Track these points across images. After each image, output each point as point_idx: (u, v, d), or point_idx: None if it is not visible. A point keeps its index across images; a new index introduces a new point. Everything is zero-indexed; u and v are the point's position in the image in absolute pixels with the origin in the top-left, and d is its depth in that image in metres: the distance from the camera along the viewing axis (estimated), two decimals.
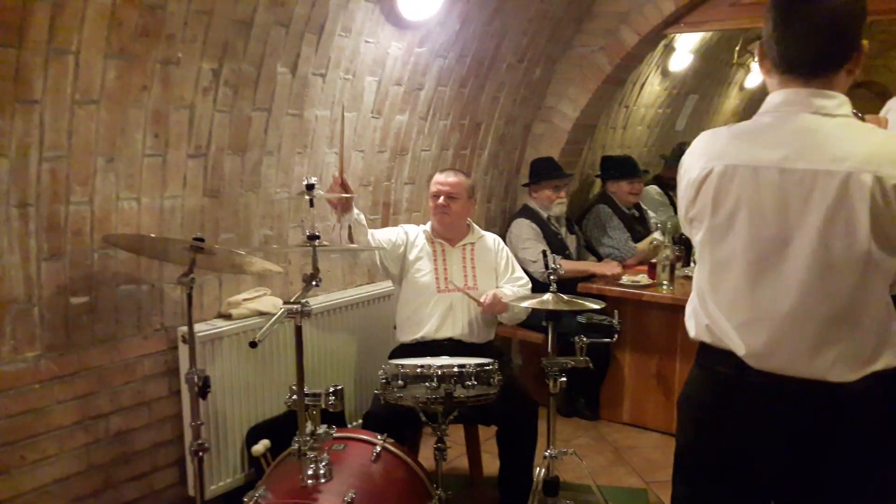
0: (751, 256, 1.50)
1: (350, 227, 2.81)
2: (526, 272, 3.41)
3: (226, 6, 2.42)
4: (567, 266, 3.89)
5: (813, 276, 1.44)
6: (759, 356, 1.50)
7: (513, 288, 3.12)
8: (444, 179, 3.09)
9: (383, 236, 3.05)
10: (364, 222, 2.86)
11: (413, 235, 3.13)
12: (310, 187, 2.16)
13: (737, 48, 5.79)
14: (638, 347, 3.94)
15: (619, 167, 4.72)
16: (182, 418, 2.67)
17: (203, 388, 2.28)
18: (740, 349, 1.52)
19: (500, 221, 4.34)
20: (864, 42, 1.49)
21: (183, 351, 2.58)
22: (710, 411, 1.61)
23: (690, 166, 1.59)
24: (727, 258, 1.53)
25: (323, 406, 2.04)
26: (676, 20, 4.02)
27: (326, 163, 3.10)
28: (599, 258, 4.47)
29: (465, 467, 3.30)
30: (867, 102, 7.20)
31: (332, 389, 2.05)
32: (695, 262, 4.17)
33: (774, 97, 1.53)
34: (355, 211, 2.80)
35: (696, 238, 1.62)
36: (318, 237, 2.15)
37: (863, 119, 1.69)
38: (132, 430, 2.55)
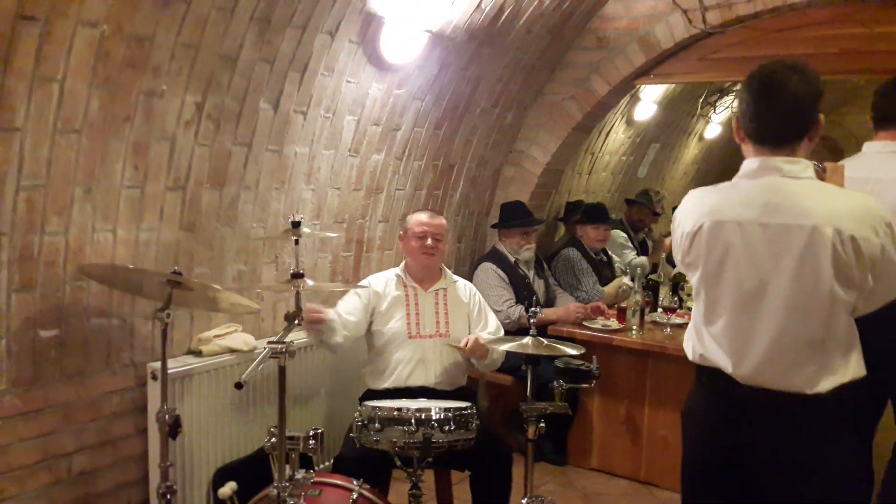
0: (738, 297, 1.82)
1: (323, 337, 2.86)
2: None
3: (213, 41, 2.42)
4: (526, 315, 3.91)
5: (788, 311, 1.76)
6: (747, 374, 1.81)
7: (487, 336, 3.08)
8: (430, 221, 3.07)
9: (350, 317, 2.98)
10: (335, 325, 2.87)
11: (381, 286, 3.06)
12: (295, 224, 2.14)
13: (700, 99, 6.01)
14: (606, 392, 3.93)
15: (588, 213, 4.80)
16: (147, 459, 2.57)
17: (174, 428, 2.21)
18: (730, 368, 1.82)
19: (469, 262, 4.37)
20: (821, 115, 1.82)
21: (152, 388, 2.49)
22: (709, 422, 1.89)
23: (683, 220, 1.91)
24: (719, 298, 1.86)
25: (302, 450, 1.99)
26: (646, 72, 4.15)
27: (303, 199, 3.08)
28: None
29: None
30: (821, 155, 7.51)
31: (311, 433, 2.01)
32: (662, 308, 4.22)
33: (751, 163, 1.85)
34: (330, 317, 2.83)
35: (693, 280, 1.94)
36: (301, 275, 2.12)
37: (823, 169, 1.96)
38: (96, 470, 2.45)
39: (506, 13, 3.53)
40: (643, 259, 5.36)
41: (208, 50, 2.42)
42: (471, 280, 4.12)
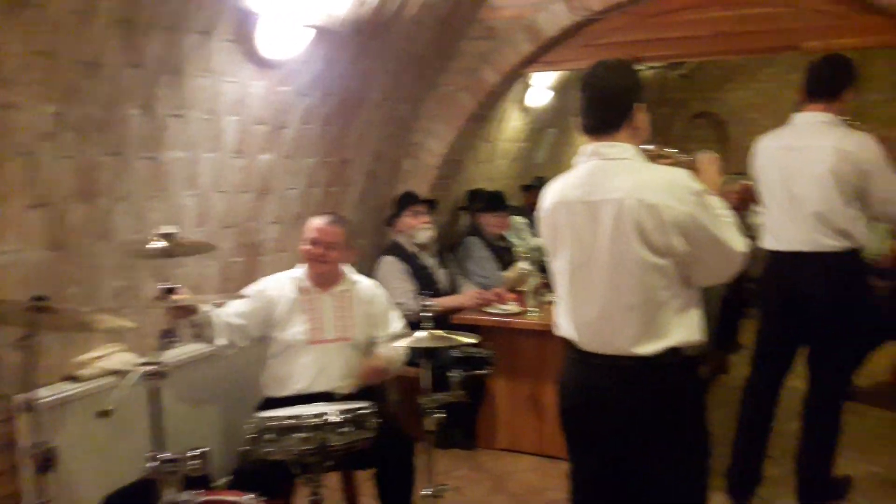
0: (571, 267, 2.05)
1: (199, 330, 2.74)
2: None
3: (70, 47, 2.28)
4: (438, 306, 3.92)
5: (610, 277, 1.97)
6: (585, 341, 2.04)
7: (390, 351, 3.06)
8: (323, 227, 3.00)
9: (237, 320, 2.88)
10: (214, 321, 2.77)
11: (277, 290, 3.00)
12: (167, 236, 2.05)
13: None
14: (511, 374, 4.02)
15: (486, 201, 4.86)
16: (22, 496, 2.42)
17: (45, 463, 2.05)
18: (573, 336, 2.07)
19: (372, 258, 4.32)
20: (637, 106, 2.02)
21: (22, 421, 2.34)
22: (568, 386, 2.13)
23: (539, 206, 2.19)
24: (559, 273, 2.12)
25: (184, 471, 1.93)
26: (534, 59, 4.20)
27: (184, 206, 2.97)
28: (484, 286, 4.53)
29: None
30: (707, 130, 7.86)
31: (194, 452, 1.94)
32: None
33: (583, 150, 2.09)
34: (204, 310, 2.70)
35: (549, 258, 2.19)
36: (172, 290, 2.04)
37: (663, 154, 2.20)
38: None
39: (391, 5, 3.49)
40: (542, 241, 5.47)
41: (66, 57, 2.28)
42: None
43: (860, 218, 3.15)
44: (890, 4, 3.46)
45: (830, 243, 3.13)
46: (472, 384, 3.93)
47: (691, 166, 2.16)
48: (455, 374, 2.81)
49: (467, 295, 4.18)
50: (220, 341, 2.83)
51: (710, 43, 3.82)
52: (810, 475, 3.40)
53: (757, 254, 3.33)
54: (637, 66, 2.14)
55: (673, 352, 1.95)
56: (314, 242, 2.99)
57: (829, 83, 3.15)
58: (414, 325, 3.14)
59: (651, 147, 2.14)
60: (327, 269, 3.04)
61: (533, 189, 5.87)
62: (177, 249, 2.17)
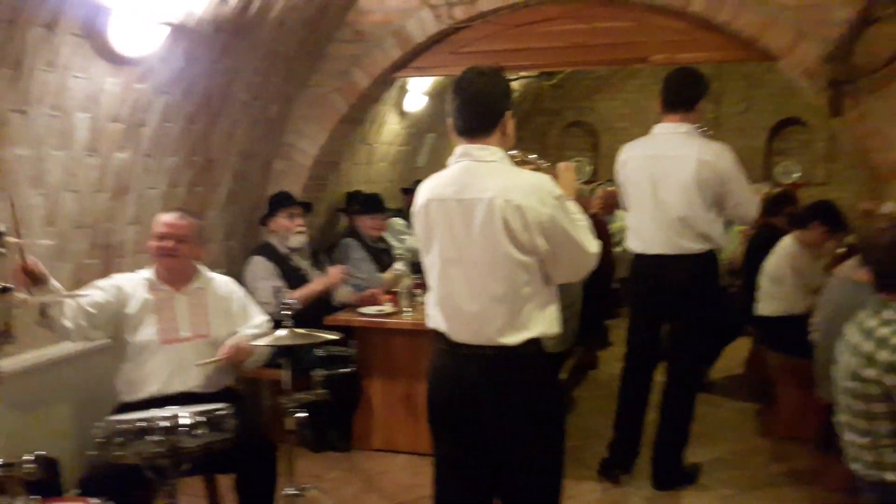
0: (443, 261, 2.16)
1: (45, 306, 2.60)
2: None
3: None
4: (297, 296, 3.91)
5: (478, 273, 2.10)
6: (455, 332, 2.15)
7: (251, 332, 3.03)
8: (171, 221, 2.96)
9: (89, 308, 2.78)
10: (61, 300, 2.65)
11: (130, 287, 2.93)
12: None
13: None
14: (385, 374, 4.07)
15: (363, 203, 4.90)
16: None
17: None
18: (445, 328, 2.18)
19: (242, 259, 4.27)
20: (508, 112, 2.16)
21: None
22: (437, 376, 2.24)
23: (414, 202, 2.26)
24: (430, 265, 2.22)
25: (19, 476, 1.86)
26: (404, 65, 4.29)
27: (31, 205, 2.84)
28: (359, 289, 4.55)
29: None
30: (580, 139, 8.24)
31: (29, 457, 1.88)
32: None
33: (456, 150, 2.19)
34: (53, 286, 2.57)
35: (421, 252, 2.28)
36: (10, 289, 1.97)
37: (526, 160, 2.34)
38: None
39: (255, 5, 3.48)
40: None
41: None
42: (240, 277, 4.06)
43: (718, 221, 3.46)
44: (726, 23, 3.78)
45: (691, 246, 3.41)
46: (346, 385, 3.98)
47: (550, 172, 2.33)
48: (318, 374, 2.83)
49: (328, 275, 4.16)
50: (66, 323, 2.70)
51: (566, 54, 4.05)
52: (665, 462, 3.66)
53: (623, 256, 3.61)
54: (511, 76, 2.25)
55: (533, 342, 2.12)
56: (163, 237, 2.94)
57: (684, 96, 3.44)
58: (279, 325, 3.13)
59: (515, 153, 2.28)
60: (178, 263, 2.98)
61: (412, 192, 5.96)
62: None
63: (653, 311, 3.66)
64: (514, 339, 2.09)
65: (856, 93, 3.67)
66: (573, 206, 2.18)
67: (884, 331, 2.30)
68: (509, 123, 2.17)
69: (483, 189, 2.06)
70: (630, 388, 3.74)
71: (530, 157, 2.38)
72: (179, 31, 3.18)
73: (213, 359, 2.88)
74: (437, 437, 2.29)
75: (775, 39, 3.75)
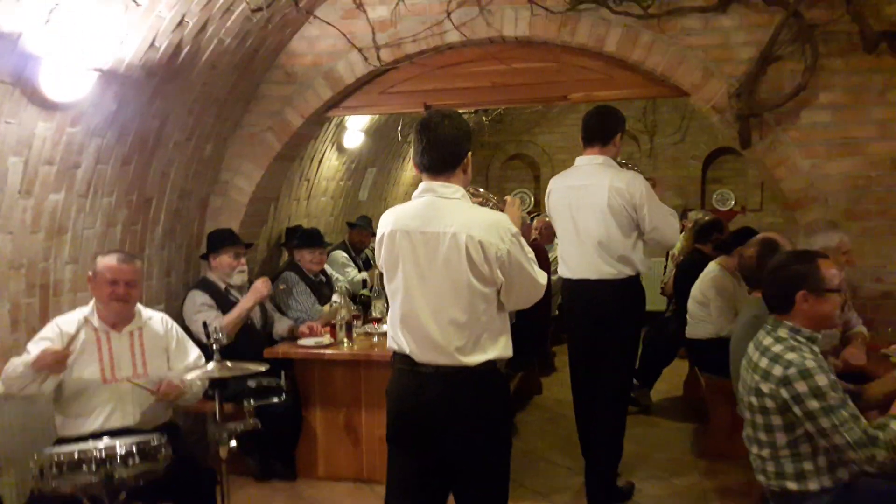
0: (406, 287, 2.34)
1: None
2: (201, 345, 3.46)
3: None
4: (227, 321, 3.99)
5: (440, 300, 2.28)
6: (416, 353, 2.32)
7: (186, 369, 3.11)
8: (121, 266, 3.03)
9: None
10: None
11: (70, 330, 2.97)
12: None
13: (398, 129, 6.50)
14: (326, 404, 4.15)
15: (302, 238, 4.99)
16: None
17: None
18: (406, 349, 2.35)
19: (182, 295, 4.32)
20: (469, 153, 2.35)
21: None
22: (399, 393, 2.40)
23: (378, 231, 2.43)
24: (394, 290, 2.39)
25: None
26: (336, 104, 4.44)
27: None
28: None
29: None
30: (521, 171, 8.48)
31: None
32: (373, 319, 4.55)
33: (421, 186, 2.37)
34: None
35: (384, 278, 2.45)
36: None
37: (503, 202, 2.59)
38: None
39: (184, 51, 3.60)
40: (364, 274, 5.69)
41: None
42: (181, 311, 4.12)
43: (637, 247, 3.63)
44: (639, 62, 4.02)
45: (611, 270, 3.59)
46: (287, 416, 4.04)
47: (498, 205, 2.58)
48: (247, 405, 2.91)
49: (257, 284, 4.17)
50: (48, 385, 2.82)
51: (489, 93, 4.26)
52: (599, 479, 3.79)
53: (560, 283, 3.81)
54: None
55: (490, 363, 2.32)
56: (114, 282, 3.01)
57: (599, 131, 3.67)
58: (225, 356, 3.17)
59: (468, 187, 2.49)
60: (128, 308, 3.07)
61: (356, 228, 6.07)
62: None
63: (583, 334, 3.82)
64: (473, 359, 2.29)
65: (762, 126, 3.94)
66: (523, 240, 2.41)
67: (777, 348, 2.47)
68: (469, 164, 2.36)
69: (447, 224, 2.25)
70: (580, 414, 3.88)
71: (480, 190, 2.61)
72: (110, 76, 3.27)
73: (146, 385, 2.94)
74: (394, 451, 2.46)
75: (686, 77, 4.00)
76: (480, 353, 2.30)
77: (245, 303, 4.14)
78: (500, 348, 2.34)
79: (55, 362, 2.71)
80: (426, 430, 2.35)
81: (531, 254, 2.37)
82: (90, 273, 3.09)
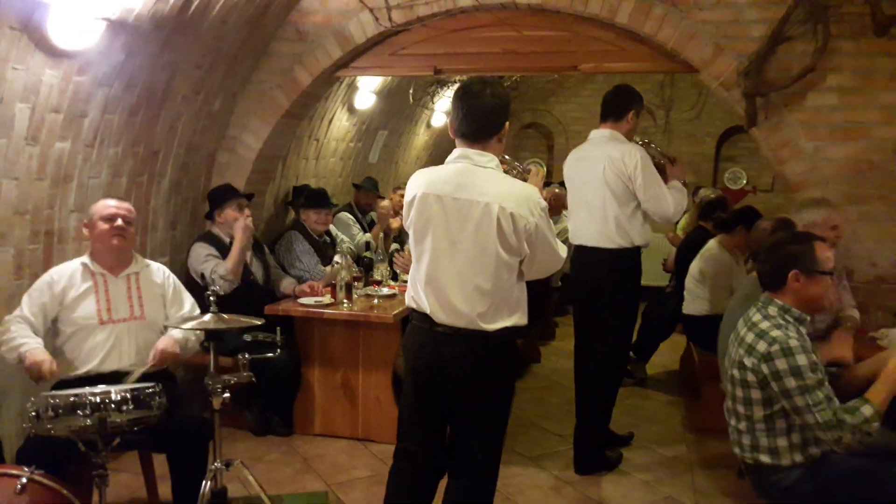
0: (434, 253, 2.41)
1: None
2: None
3: None
4: (230, 266, 4.04)
5: (467, 265, 2.36)
6: (438, 314, 2.41)
7: (180, 329, 3.14)
8: (118, 204, 3.13)
9: (36, 319, 2.96)
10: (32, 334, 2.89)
11: (65, 279, 3.04)
12: None
13: (410, 91, 6.47)
14: (325, 363, 4.21)
15: (308, 198, 5.03)
16: None
17: None
18: (427, 309, 2.43)
19: (186, 248, 4.39)
20: (507, 123, 2.41)
21: None
22: (417, 352, 2.51)
23: (407, 192, 2.50)
24: (422, 254, 2.45)
25: None
26: (345, 64, 4.44)
27: None
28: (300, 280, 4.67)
29: (145, 497, 3.28)
30: (535, 140, 8.46)
31: None
32: (374, 282, 4.61)
33: (455, 151, 2.44)
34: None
35: (410, 239, 2.53)
36: None
37: (526, 170, 2.80)
38: None
39: (195, 4, 3.60)
40: (368, 236, 5.74)
41: None
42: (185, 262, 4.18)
43: (635, 218, 3.71)
44: (650, 35, 3.99)
45: (606, 239, 3.70)
46: (285, 372, 4.12)
47: (522, 174, 2.70)
48: (241, 358, 2.97)
49: (237, 230, 4.16)
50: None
51: (499, 59, 4.24)
52: (585, 446, 3.87)
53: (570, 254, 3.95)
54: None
55: (506, 329, 2.42)
56: (114, 217, 3.07)
57: (613, 107, 3.77)
58: (224, 309, 3.24)
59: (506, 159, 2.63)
60: (127, 244, 3.13)
61: (363, 189, 6.10)
62: None
63: (580, 300, 3.98)
64: (493, 326, 2.39)
65: (769, 106, 3.92)
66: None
67: (764, 324, 2.53)
68: (505, 133, 2.43)
69: (480, 193, 2.33)
70: (578, 379, 4.00)
71: (506, 158, 2.72)
72: (118, 25, 3.29)
73: (142, 368, 3.00)
74: (409, 388, 2.60)
75: (696, 52, 3.97)
76: (500, 320, 2.39)
77: (238, 242, 4.14)
78: (517, 316, 2.44)
79: (40, 377, 2.79)
80: (442, 386, 2.49)
81: (553, 227, 2.47)
82: (85, 221, 3.14)
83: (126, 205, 3.15)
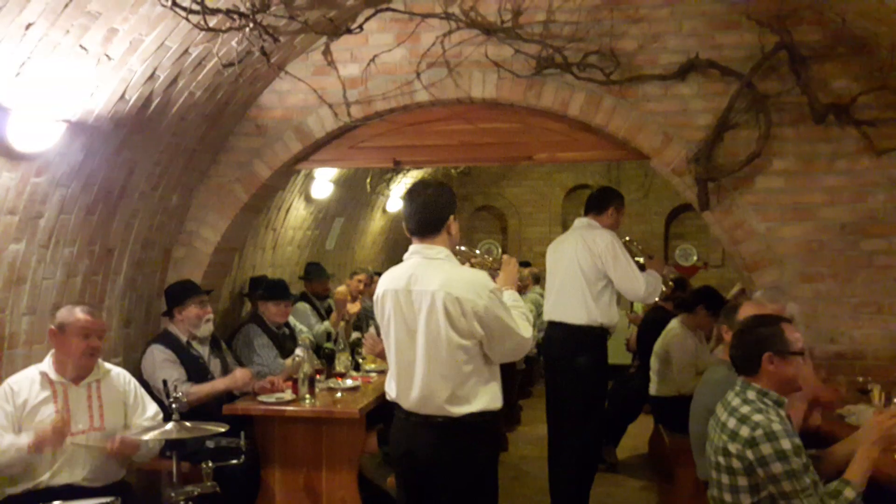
0: (398, 345, 2.58)
1: None
2: (159, 401, 3.40)
3: None
4: (197, 392, 3.91)
5: (426, 354, 2.49)
6: (406, 403, 2.56)
7: (143, 425, 3.07)
8: (94, 320, 3.08)
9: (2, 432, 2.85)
10: None
11: (25, 389, 2.94)
12: None
13: (368, 180, 6.56)
14: (286, 463, 4.01)
15: (267, 289, 4.92)
16: None
17: None
18: (398, 399, 2.60)
19: (142, 346, 4.24)
20: (452, 217, 2.61)
21: None
22: (396, 440, 2.66)
23: (377, 290, 2.69)
24: (389, 346, 2.62)
25: None
26: (305, 157, 4.48)
27: None
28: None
29: None
30: (489, 222, 8.57)
31: None
32: (337, 374, 4.52)
33: (410, 248, 2.63)
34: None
35: (382, 335, 2.72)
36: None
37: (499, 262, 2.91)
38: None
39: (154, 103, 3.61)
40: (327, 324, 5.63)
41: None
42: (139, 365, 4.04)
43: (602, 299, 3.94)
44: (601, 126, 4.15)
45: (579, 316, 3.92)
46: (243, 477, 3.92)
47: (495, 265, 2.82)
48: (205, 466, 2.85)
49: (235, 375, 4.09)
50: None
51: (457, 151, 4.35)
52: None
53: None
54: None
55: (476, 415, 2.49)
56: (87, 336, 3.00)
57: (596, 203, 4.24)
58: (184, 414, 3.13)
59: (464, 249, 2.82)
60: (96, 360, 3.08)
61: (310, 278, 5.96)
62: None
63: (552, 376, 4.15)
64: (458, 410, 2.47)
65: (720, 189, 4.06)
66: (512, 296, 2.62)
67: (745, 409, 2.52)
68: (453, 226, 2.61)
69: (429, 283, 2.48)
70: (550, 464, 4.05)
71: (477, 252, 2.91)
72: (78, 126, 3.26)
73: (97, 443, 2.92)
74: (399, 485, 2.73)
75: (646, 141, 4.13)
76: (466, 404, 2.48)
77: (219, 384, 4.04)
78: (485, 401, 2.50)
79: (58, 435, 2.72)
80: (417, 474, 2.60)
81: (520, 308, 2.60)
82: (53, 327, 3.03)
83: (100, 319, 3.13)
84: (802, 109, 3.88)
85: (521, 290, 6.28)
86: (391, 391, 2.65)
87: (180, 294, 4.21)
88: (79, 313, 3.04)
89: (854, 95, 3.77)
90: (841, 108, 3.80)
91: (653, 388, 4.95)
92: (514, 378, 6.52)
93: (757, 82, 3.89)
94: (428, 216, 2.58)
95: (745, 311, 3.16)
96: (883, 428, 2.47)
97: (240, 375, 4.05)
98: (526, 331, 2.55)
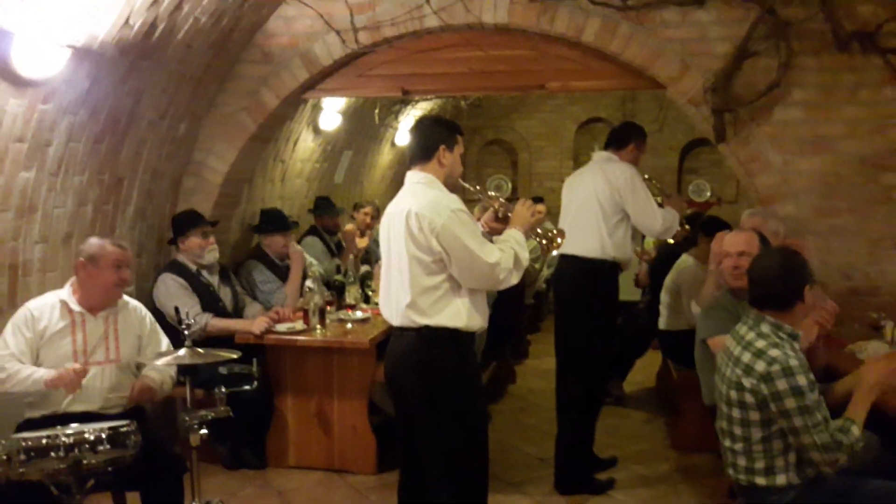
0: (387, 264, 2.73)
1: None
2: (170, 327, 3.44)
3: None
4: (215, 324, 3.99)
5: (398, 270, 2.64)
6: (389, 317, 2.73)
7: (157, 366, 3.10)
8: (122, 251, 3.06)
9: (24, 357, 2.89)
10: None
11: (46, 315, 2.95)
12: None
13: (376, 112, 6.45)
14: (298, 391, 4.10)
15: (270, 221, 4.89)
16: None
17: None
18: (386, 317, 2.78)
19: (152, 276, 4.27)
20: (442, 146, 2.67)
21: None
22: (387, 353, 2.79)
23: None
24: (384, 266, 2.77)
25: None
26: (312, 86, 4.39)
27: None
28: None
29: None
30: (499, 156, 8.48)
31: None
32: (347, 306, 4.55)
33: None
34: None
35: None
36: None
37: (490, 198, 2.91)
38: None
39: (159, 29, 3.53)
40: (337, 260, 5.63)
41: None
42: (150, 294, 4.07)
43: (617, 233, 3.81)
44: (617, 53, 4.04)
45: (592, 249, 3.80)
46: (257, 403, 3.99)
47: (508, 209, 2.79)
48: (218, 392, 2.89)
49: (251, 321, 4.12)
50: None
51: (466, 79, 4.25)
52: (566, 464, 3.85)
53: (535, 273, 4.01)
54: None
55: (439, 329, 2.59)
56: (119, 268, 3.01)
57: (617, 137, 3.98)
58: (196, 342, 3.16)
59: (469, 188, 2.84)
60: (122, 291, 3.09)
61: (319, 212, 5.92)
62: None
63: (560, 309, 4.06)
64: (419, 319, 2.60)
65: (737, 120, 3.98)
66: (513, 235, 2.68)
67: (760, 343, 2.47)
68: (445, 156, 2.69)
69: (405, 204, 2.62)
70: (558, 397, 4.00)
71: (491, 194, 2.93)
72: (83, 53, 3.20)
73: (118, 397, 3.00)
74: (392, 399, 2.87)
75: (663, 70, 4.02)
76: (424, 316, 2.60)
77: (237, 325, 4.09)
78: (446, 317, 2.60)
79: (74, 382, 2.76)
80: (392, 386, 2.77)
81: (516, 242, 2.64)
82: (83, 259, 3.01)
83: (129, 252, 3.11)
84: (825, 37, 3.76)
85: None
86: (383, 308, 2.80)
87: (184, 223, 4.22)
88: (108, 246, 3.03)
89: (880, 22, 3.64)
90: (866, 35, 3.67)
91: (662, 322, 4.94)
92: (523, 312, 6.55)
93: (779, 8, 3.76)
94: (419, 144, 2.71)
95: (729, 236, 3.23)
96: (881, 374, 2.47)
97: (257, 326, 4.03)
98: (490, 256, 2.55)
